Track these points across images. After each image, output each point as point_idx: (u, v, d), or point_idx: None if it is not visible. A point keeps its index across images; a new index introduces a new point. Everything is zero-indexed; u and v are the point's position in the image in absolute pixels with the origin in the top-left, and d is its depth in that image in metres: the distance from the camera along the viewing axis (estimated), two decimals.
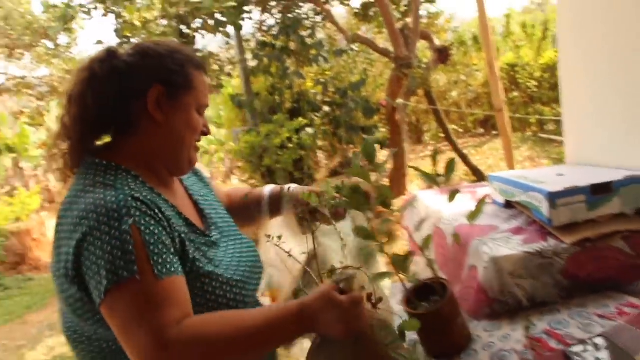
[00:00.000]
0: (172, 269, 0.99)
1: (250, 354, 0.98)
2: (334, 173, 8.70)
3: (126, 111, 1.13)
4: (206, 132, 1.22)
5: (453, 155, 7.47)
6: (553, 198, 1.26)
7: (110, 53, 1.15)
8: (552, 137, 9.21)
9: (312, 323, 1.00)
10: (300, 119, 6.95)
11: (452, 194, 1.10)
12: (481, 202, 1.10)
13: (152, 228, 1.00)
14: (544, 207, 1.29)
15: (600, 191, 1.28)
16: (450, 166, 1.07)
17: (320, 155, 9.21)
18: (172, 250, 1.02)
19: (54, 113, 13.50)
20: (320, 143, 8.46)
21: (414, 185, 7.93)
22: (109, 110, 1.12)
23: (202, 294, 1.06)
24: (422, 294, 1.19)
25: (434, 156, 1.08)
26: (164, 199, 1.12)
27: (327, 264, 1.23)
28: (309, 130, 7.13)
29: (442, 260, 1.54)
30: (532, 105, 10.26)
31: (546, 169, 1.70)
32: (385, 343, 1.00)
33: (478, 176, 7.23)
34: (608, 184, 1.29)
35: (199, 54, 1.25)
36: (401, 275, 1.13)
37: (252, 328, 0.97)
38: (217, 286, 1.09)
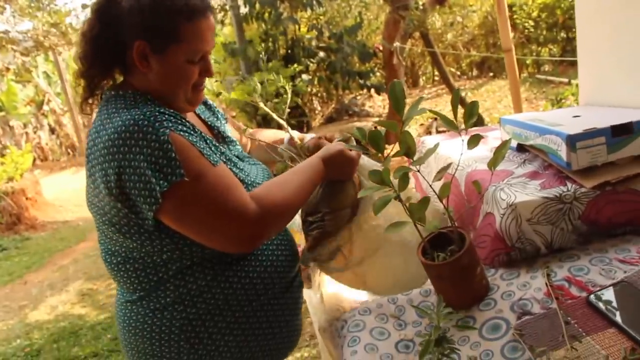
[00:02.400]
0: (219, 159, 1.14)
1: (302, 202, 1.25)
2: (329, 119, 8.62)
3: (118, 55, 1.18)
4: (208, 75, 1.25)
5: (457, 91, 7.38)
6: (572, 141, 1.21)
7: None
8: (550, 77, 9.10)
9: (332, 171, 1.30)
10: (295, 65, 6.81)
11: (473, 140, 1.05)
12: (502, 147, 1.05)
13: (187, 130, 1.11)
14: (563, 151, 1.24)
15: (620, 132, 1.23)
16: (471, 111, 1.01)
17: (316, 101, 9.11)
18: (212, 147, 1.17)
19: (40, 68, 13.24)
20: (315, 89, 8.35)
21: (412, 130, 7.87)
22: (106, 54, 1.18)
23: None
24: (437, 244, 1.15)
25: (455, 101, 1.02)
26: (183, 117, 1.18)
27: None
28: (304, 76, 7.01)
29: (455, 207, 1.50)
30: (529, 46, 10.09)
31: (561, 111, 1.64)
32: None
33: (477, 119, 7.17)
34: (628, 125, 1.23)
35: None
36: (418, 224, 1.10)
37: (300, 185, 1.21)
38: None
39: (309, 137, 1.54)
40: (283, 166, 1.47)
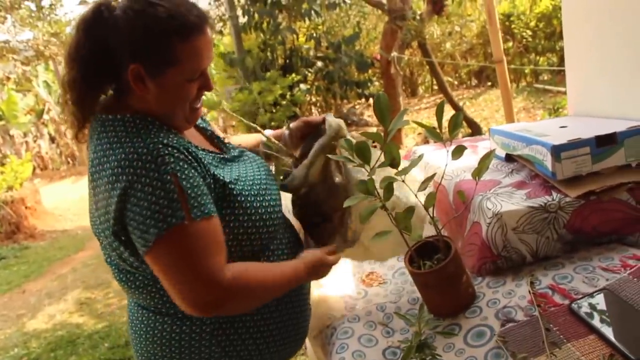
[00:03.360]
0: (206, 210, 1.05)
1: (273, 295, 1.18)
2: None
3: (114, 78, 1.12)
4: (207, 89, 1.20)
5: (442, 103, 7.41)
6: (557, 151, 1.23)
7: (96, 14, 1.09)
8: (547, 87, 9.13)
9: (311, 275, 1.25)
10: (293, 75, 6.84)
11: (457, 151, 1.07)
12: (486, 157, 1.07)
13: (186, 172, 1.04)
14: (548, 161, 1.26)
15: (604, 143, 1.25)
16: (455, 121, 1.04)
17: (315, 111, 9.14)
18: (206, 190, 1.07)
19: (41, 77, 13.29)
20: (314, 99, 8.39)
21: (410, 139, 7.90)
22: (95, 77, 1.11)
23: (241, 212, 1.15)
24: (424, 253, 1.17)
25: (439, 112, 1.04)
26: (182, 138, 1.15)
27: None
28: (302, 86, 7.05)
29: (443, 216, 1.52)
30: (527, 55, 10.14)
31: (548, 121, 1.66)
32: None
33: (474, 128, 7.20)
34: (612, 135, 1.26)
35: None
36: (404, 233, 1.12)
37: (276, 280, 1.16)
38: (251, 200, 1.17)
39: (284, 130, 1.49)
40: (282, 163, 1.43)
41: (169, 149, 1.04)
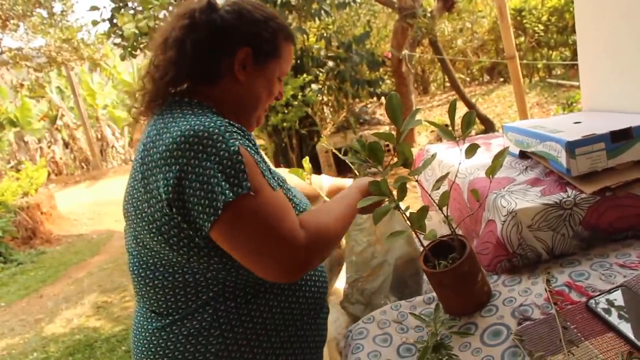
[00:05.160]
0: (277, 184, 1.10)
1: (345, 231, 1.22)
2: (340, 128, 8.64)
3: (215, 63, 1.17)
4: (279, 98, 1.29)
5: (454, 101, 7.37)
6: (572, 147, 1.22)
7: (210, 5, 1.18)
8: (561, 81, 9.06)
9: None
10: (305, 75, 6.85)
11: (471, 149, 1.06)
12: (500, 155, 1.07)
13: (254, 149, 1.10)
14: (562, 157, 1.25)
15: (620, 138, 1.24)
16: (468, 120, 1.03)
17: (326, 110, 9.14)
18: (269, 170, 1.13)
19: (54, 84, 13.42)
20: (325, 98, 8.38)
21: (422, 137, 7.88)
22: (201, 59, 1.16)
23: None
24: (439, 252, 1.17)
25: (452, 110, 1.04)
26: (250, 134, 1.19)
27: None
28: (314, 86, 7.04)
29: (457, 215, 1.51)
30: (539, 50, 10.07)
31: (562, 117, 1.65)
32: None
33: (487, 125, 7.16)
34: (628, 130, 1.24)
35: None
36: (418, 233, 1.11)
37: (343, 214, 1.20)
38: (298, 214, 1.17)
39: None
40: None
41: (236, 128, 1.07)
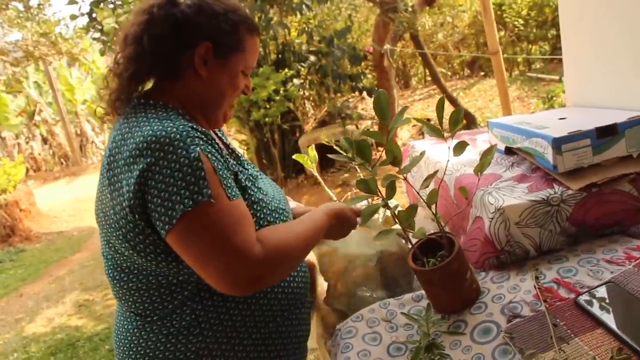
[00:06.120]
0: (237, 193, 1.06)
1: (305, 254, 1.18)
2: (322, 123, 8.63)
3: (175, 58, 1.15)
4: (246, 92, 1.26)
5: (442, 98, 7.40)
6: (558, 144, 1.23)
7: (169, 0, 1.16)
8: (540, 75, 9.14)
9: (333, 228, 1.28)
10: (286, 70, 6.81)
11: (459, 147, 1.06)
12: (488, 153, 1.07)
13: (216, 155, 1.06)
14: (549, 153, 1.25)
15: (605, 134, 1.25)
16: (456, 118, 1.03)
17: (308, 105, 9.12)
18: (232, 177, 1.10)
19: (31, 78, 13.20)
20: (307, 93, 8.35)
21: (404, 131, 7.90)
22: (161, 54, 1.14)
23: (254, 221, 1.11)
24: (427, 250, 1.17)
25: (440, 108, 1.03)
26: (213, 139, 1.14)
27: None
28: (296, 81, 7.01)
29: (444, 211, 1.51)
30: (519, 44, 10.15)
31: (547, 113, 1.66)
32: None
33: (469, 119, 7.19)
34: (613, 126, 1.25)
35: None
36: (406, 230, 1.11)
37: (305, 236, 1.15)
38: (267, 213, 1.18)
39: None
40: None
41: (198, 133, 1.05)
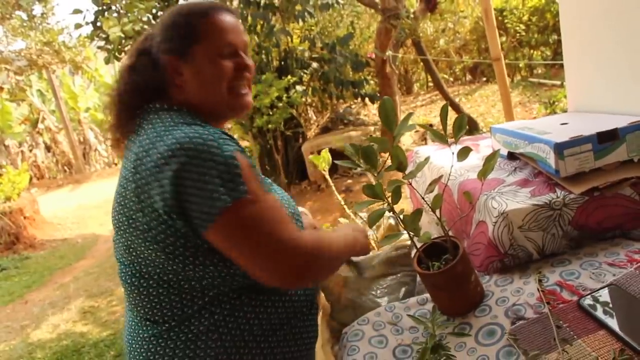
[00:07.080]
0: (269, 189, 1.12)
1: (339, 265, 1.29)
2: (325, 129, 8.66)
3: (158, 84, 1.22)
4: (246, 70, 1.25)
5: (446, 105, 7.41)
6: (560, 149, 1.25)
7: (146, 36, 1.28)
8: (542, 80, 9.16)
9: (361, 248, 1.37)
10: (289, 77, 6.85)
11: (463, 152, 1.08)
12: (492, 158, 1.09)
13: (247, 154, 1.09)
14: (551, 158, 1.27)
15: (606, 139, 1.27)
16: (460, 123, 1.05)
17: (310, 111, 9.15)
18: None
19: (35, 87, 13.26)
20: (310, 100, 8.38)
21: (406, 137, 7.91)
22: (148, 81, 1.22)
23: None
24: (432, 253, 1.18)
25: (444, 114, 1.05)
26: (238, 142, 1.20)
27: None
28: (298, 87, 7.05)
29: (448, 216, 1.53)
30: (521, 49, 10.18)
31: (549, 118, 1.68)
32: None
33: (471, 124, 7.22)
34: (614, 131, 1.27)
35: None
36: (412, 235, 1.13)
37: (344, 243, 1.24)
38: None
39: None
40: None
41: (228, 136, 1.08)
